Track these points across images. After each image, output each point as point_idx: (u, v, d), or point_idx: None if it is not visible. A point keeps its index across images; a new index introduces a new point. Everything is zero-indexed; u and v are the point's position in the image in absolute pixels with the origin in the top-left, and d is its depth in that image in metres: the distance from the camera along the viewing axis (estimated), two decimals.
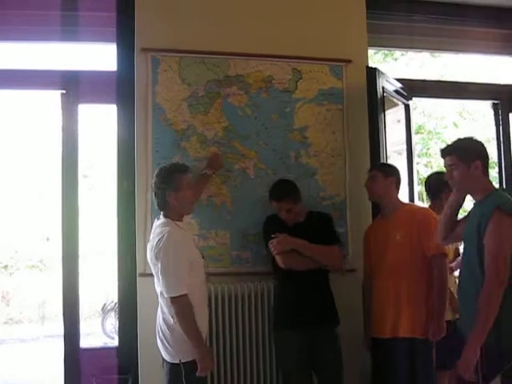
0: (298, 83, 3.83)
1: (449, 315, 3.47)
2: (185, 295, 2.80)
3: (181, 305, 2.81)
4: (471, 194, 2.77)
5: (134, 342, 3.46)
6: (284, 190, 3.36)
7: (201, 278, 3.00)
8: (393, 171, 3.44)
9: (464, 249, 2.85)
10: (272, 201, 3.36)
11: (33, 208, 14.26)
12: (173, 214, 2.97)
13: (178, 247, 2.86)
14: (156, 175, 3.00)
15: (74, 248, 3.96)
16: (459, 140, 2.84)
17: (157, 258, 2.86)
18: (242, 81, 3.74)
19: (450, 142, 2.88)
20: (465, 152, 2.71)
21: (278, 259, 3.25)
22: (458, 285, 2.86)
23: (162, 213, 3.01)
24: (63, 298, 3.96)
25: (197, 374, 2.82)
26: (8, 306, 12.93)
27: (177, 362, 2.87)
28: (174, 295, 2.81)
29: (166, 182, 2.94)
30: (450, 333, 3.25)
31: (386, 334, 3.21)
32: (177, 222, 2.96)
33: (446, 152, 2.80)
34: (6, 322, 12.51)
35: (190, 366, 2.84)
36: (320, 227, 3.37)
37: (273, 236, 3.25)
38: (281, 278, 3.35)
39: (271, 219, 3.42)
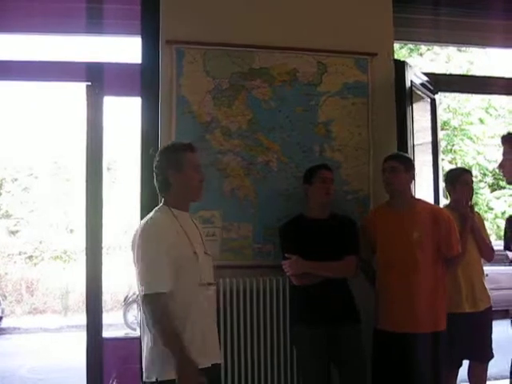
0: (323, 76, 3.80)
1: (466, 307, 3.49)
2: (162, 294, 2.33)
3: (156, 304, 2.34)
4: None
5: None
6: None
7: (194, 282, 2.46)
8: (412, 165, 3.40)
9: None
10: (322, 170, 3.36)
11: (57, 200, 14.44)
12: (173, 199, 2.55)
13: (160, 237, 2.42)
14: (158, 154, 2.62)
15: (98, 240, 3.98)
16: None
17: (133, 247, 2.49)
18: (267, 73, 3.71)
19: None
20: None
21: (292, 279, 3.26)
22: None
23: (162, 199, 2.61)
24: (86, 290, 4.00)
25: None
26: (32, 296, 13.13)
27: (153, 380, 2.40)
28: (147, 292, 2.34)
29: (167, 160, 2.55)
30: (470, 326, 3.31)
31: (408, 329, 3.16)
32: (175, 210, 2.53)
33: (503, 140, 2.74)
34: (30, 312, 12.72)
35: None
36: (342, 231, 3.32)
37: (286, 256, 3.24)
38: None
39: (287, 228, 3.38)
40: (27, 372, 7.14)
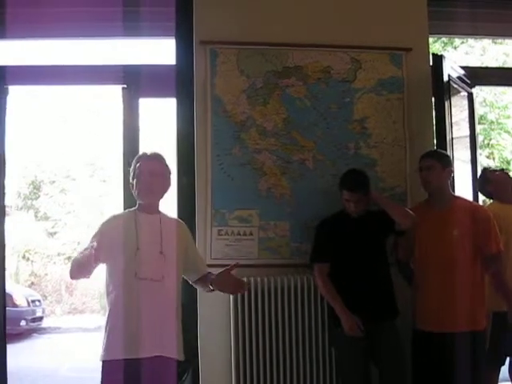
0: (357, 73, 3.77)
1: (504, 306, 3.44)
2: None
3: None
4: None
5: (193, 330, 3.48)
6: (359, 181, 3.26)
7: (129, 274, 2.59)
8: (449, 161, 3.36)
9: None
10: (344, 190, 3.25)
11: (94, 201, 14.64)
12: (137, 203, 2.80)
13: (101, 228, 2.68)
14: None
15: None
16: None
17: None
18: (301, 72, 3.71)
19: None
20: None
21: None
22: None
23: None
24: None
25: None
26: (71, 296, 13.35)
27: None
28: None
29: (131, 170, 2.83)
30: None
31: (447, 328, 3.13)
32: (138, 212, 2.75)
33: None
34: (69, 312, 12.94)
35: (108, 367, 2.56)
36: (380, 217, 3.27)
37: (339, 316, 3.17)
38: (338, 275, 3.26)
39: (324, 225, 3.36)
40: (68, 371, 7.28)
